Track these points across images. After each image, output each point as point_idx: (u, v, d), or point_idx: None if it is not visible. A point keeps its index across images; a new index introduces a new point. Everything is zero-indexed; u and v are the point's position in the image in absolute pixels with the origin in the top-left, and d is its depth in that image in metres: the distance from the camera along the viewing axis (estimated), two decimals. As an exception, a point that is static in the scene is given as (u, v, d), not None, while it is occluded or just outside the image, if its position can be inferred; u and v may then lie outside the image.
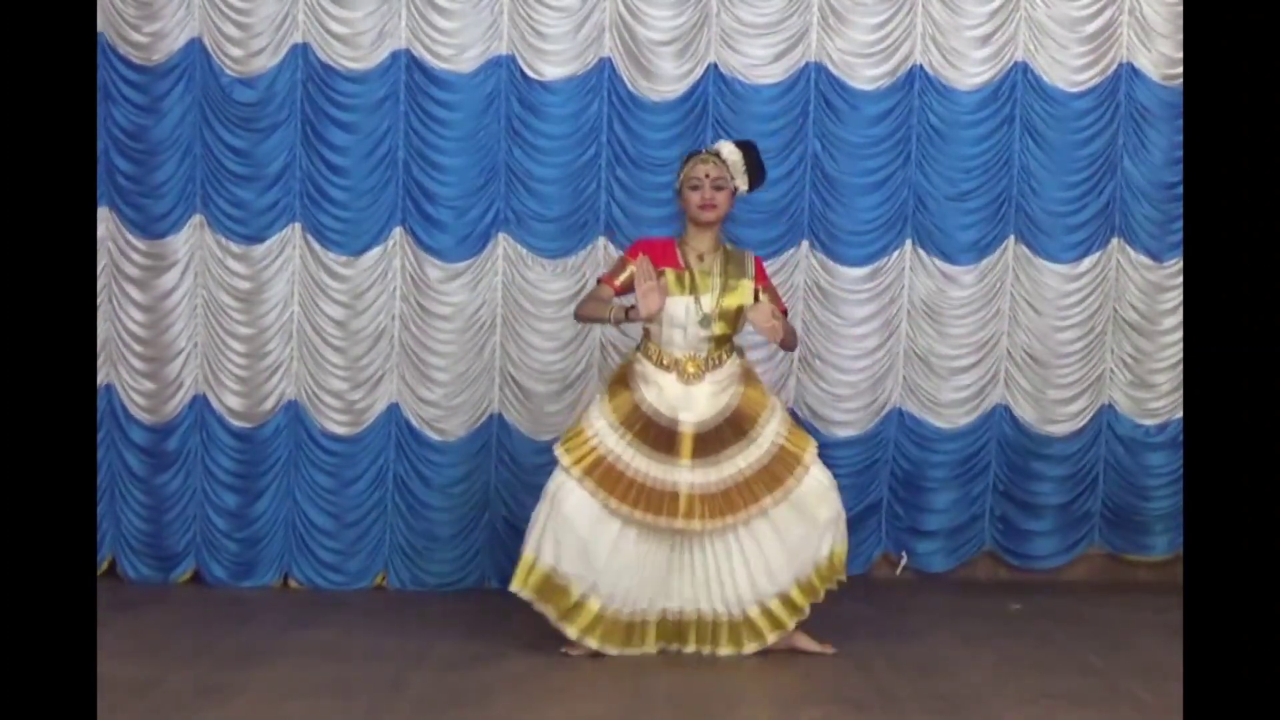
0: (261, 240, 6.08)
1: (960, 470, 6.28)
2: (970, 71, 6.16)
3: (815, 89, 6.12)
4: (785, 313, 4.92)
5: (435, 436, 6.12)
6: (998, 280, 6.24)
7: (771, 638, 4.76)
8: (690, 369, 4.73)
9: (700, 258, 4.78)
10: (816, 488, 4.71)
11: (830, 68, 6.12)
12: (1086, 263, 6.24)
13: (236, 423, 6.13)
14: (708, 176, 4.77)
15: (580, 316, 4.95)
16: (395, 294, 6.11)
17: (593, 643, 4.73)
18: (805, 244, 6.19)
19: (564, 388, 6.14)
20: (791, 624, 4.77)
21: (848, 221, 6.18)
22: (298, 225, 6.08)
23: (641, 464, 4.65)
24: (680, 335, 4.72)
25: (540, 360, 6.14)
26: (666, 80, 6.09)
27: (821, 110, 6.15)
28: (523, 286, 6.12)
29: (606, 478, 4.65)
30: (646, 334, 4.81)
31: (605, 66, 6.05)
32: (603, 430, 4.70)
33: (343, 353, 6.11)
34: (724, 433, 4.70)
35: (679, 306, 4.70)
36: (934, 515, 6.30)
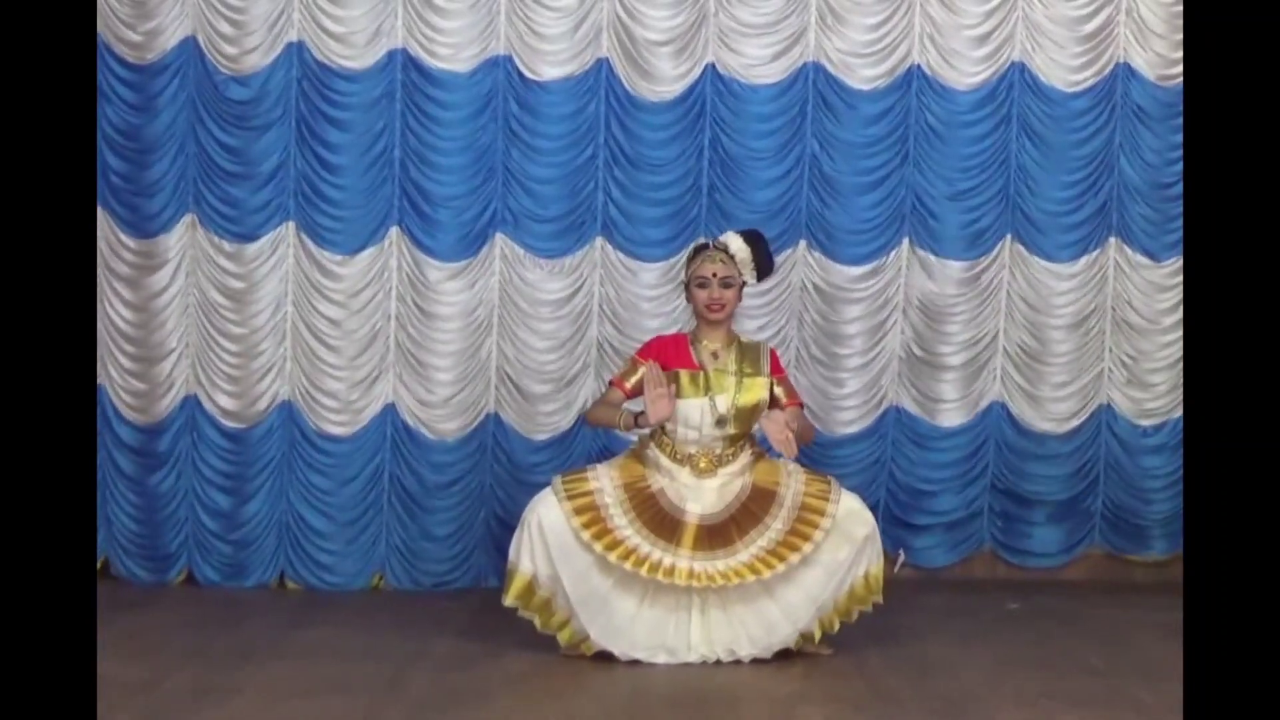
0: (255, 239, 6.07)
1: (960, 470, 6.31)
2: (968, 71, 6.19)
3: (813, 89, 6.15)
4: (801, 405, 4.91)
5: (431, 436, 6.13)
6: (994, 278, 6.27)
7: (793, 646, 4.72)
8: (703, 464, 4.68)
9: (715, 355, 4.75)
10: (847, 514, 4.64)
11: (828, 67, 6.14)
12: (1083, 262, 6.28)
13: (228, 423, 6.12)
14: (715, 276, 4.73)
15: (591, 420, 4.96)
16: (391, 294, 6.11)
17: (586, 651, 4.67)
18: (803, 243, 6.21)
19: (561, 387, 6.15)
20: (818, 637, 4.72)
21: (845, 221, 6.20)
22: (292, 224, 6.08)
23: (634, 537, 4.54)
24: (695, 435, 4.67)
25: (537, 360, 6.14)
26: (664, 80, 6.11)
27: (819, 110, 6.17)
28: (520, 287, 6.13)
29: (595, 529, 4.53)
30: (661, 428, 4.73)
31: (603, 66, 6.06)
32: (605, 484, 4.63)
33: (338, 352, 6.10)
34: (740, 521, 4.60)
35: (694, 409, 4.66)
36: (933, 515, 6.32)
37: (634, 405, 4.74)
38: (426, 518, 6.12)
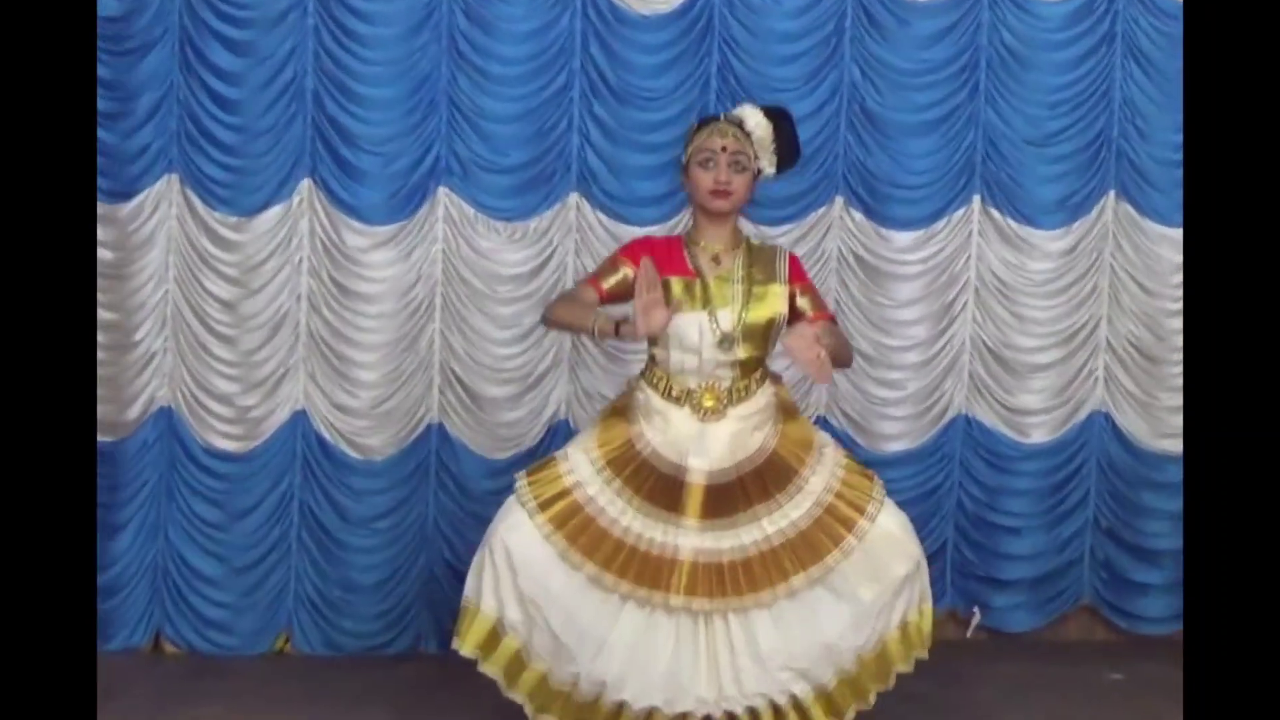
0: (128, 197, 5.79)
1: (1049, 501, 6.12)
2: (1056, -25, 6.02)
3: (854, -1, 6.04)
4: (832, 319, 4.62)
5: (355, 455, 5.91)
6: (1094, 250, 6.10)
7: None
8: (707, 402, 4.35)
9: (716, 259, 4.43)
10: (885, 538, 4.24)
11: (873, -30, 6.01)
12: (1210, 226, 5.94)
13: (93, 436, 5.87)
14: (724, 150, 4.38)
15: (551, 321, 4.57)
16: (302, 267, 5.88)
17: None
18: (840, 200, 6.00)
19: (524, 390, 5.93)
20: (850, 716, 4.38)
21: (895, 172, 6.01)
22: (174, 177, 5.82)
23: (632, 522, 4.26)
24: (694, 361, 4.36)
25: (493, 354, 5.91)
26: (659, -13, 5.95)
27: (861, 27, 5.98)
28: (469, 258, 5.88)
29: (583, 539, 4.25)
30: (651, 358, 4.46)
31: (579, -31, 5.94)
32: (583, 471, 4.32)
33: (232, 344, 5.86)
34: (747, 487, 4.32)
35: (690, 325, 4.34)
36: (1016, 561, 6.14)
37: (616, 313, 4.37)
38: (348, 561, 5.89)
